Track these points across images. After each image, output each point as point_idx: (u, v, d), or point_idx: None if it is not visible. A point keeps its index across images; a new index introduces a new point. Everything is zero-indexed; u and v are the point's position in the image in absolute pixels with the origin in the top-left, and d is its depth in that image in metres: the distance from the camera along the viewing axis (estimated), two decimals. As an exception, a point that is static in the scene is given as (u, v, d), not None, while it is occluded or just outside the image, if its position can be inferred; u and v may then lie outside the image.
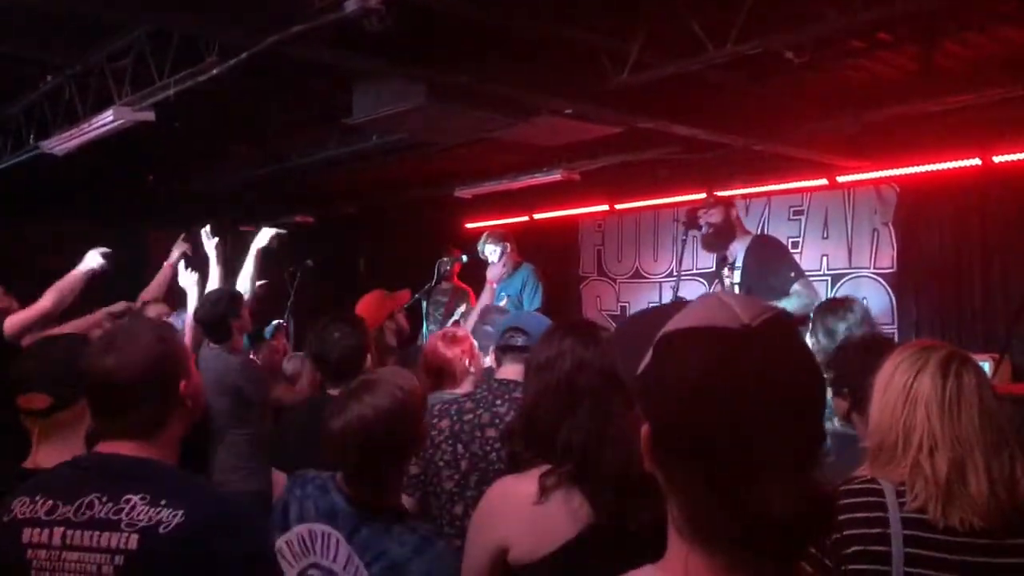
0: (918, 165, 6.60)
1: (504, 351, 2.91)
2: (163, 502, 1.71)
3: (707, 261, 6.07)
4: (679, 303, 1.11)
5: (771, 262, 5.12)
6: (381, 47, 4.32)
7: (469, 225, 9.35)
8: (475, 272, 6.88)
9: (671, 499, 1.04)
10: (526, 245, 8.60)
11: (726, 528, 0.98)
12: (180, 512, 1.69)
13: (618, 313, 9.23)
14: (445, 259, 6.89)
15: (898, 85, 5.59)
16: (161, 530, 1.68)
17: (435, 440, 2.76)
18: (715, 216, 5.25)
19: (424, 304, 6.54)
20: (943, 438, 1.82)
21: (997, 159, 6.20)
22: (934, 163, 6.51)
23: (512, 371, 2.83)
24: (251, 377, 4.54)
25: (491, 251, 6.59)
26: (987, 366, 5.65)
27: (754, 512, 0.95)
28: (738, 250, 5.21)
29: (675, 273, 5.79)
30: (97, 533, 1.70)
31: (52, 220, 8.40)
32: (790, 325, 1.05)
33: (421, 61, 4.65)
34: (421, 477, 2.78)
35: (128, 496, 1.72)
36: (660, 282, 8.83)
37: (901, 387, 1.88)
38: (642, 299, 9.03)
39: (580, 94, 5.16)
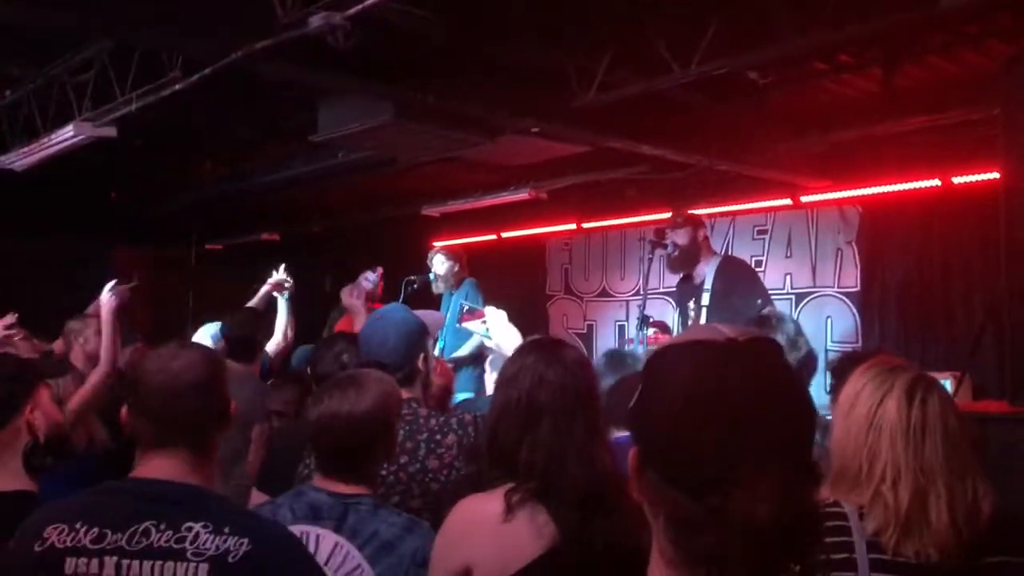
0: (880, 185, 6.69)
1: None
2: (226, 530, 1.69)
3: (674, 280, 6.10)
4: None
5: (739, 286, 5.14)
6: (347, 64, 4.30)
7: (436, 243, 9.31)
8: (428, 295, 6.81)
9: (656, 524, 1.05)
10: (493, 263, 8.62)
11: (710, 544, 0.98)
12: (245, 540, 1.68)
13: (584, 331, 9.23)
14: (370, 275, 6.82)
15: (860, 106, 5.67)
16: (230, 559, 1.66)
17: None
18: (682, 237, 5.25)
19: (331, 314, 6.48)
20: (906, 469, 1.80)
21: (957, 180, 6.30)
22: (896, 183, 6.60)
23: None
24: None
25: (439, 262, 6.53)
26: (949, 384, 5.71)
27: (740, 521, 0.95)
28: (705, 272, 5.22)
29: (642, 292, 5.78)
30: (160, 563, 1.65)
31: (13, 234, 8.25)
32: (775, 344, 1.10)
33: (387, 79, 4.64)
34: None
35: (189, 524, 1.68)
36: (627, 300, 8.84)
37: (865, 413, 1.86)
38: (609, 317, 9.04)
39: (547, 113, 5.17)
